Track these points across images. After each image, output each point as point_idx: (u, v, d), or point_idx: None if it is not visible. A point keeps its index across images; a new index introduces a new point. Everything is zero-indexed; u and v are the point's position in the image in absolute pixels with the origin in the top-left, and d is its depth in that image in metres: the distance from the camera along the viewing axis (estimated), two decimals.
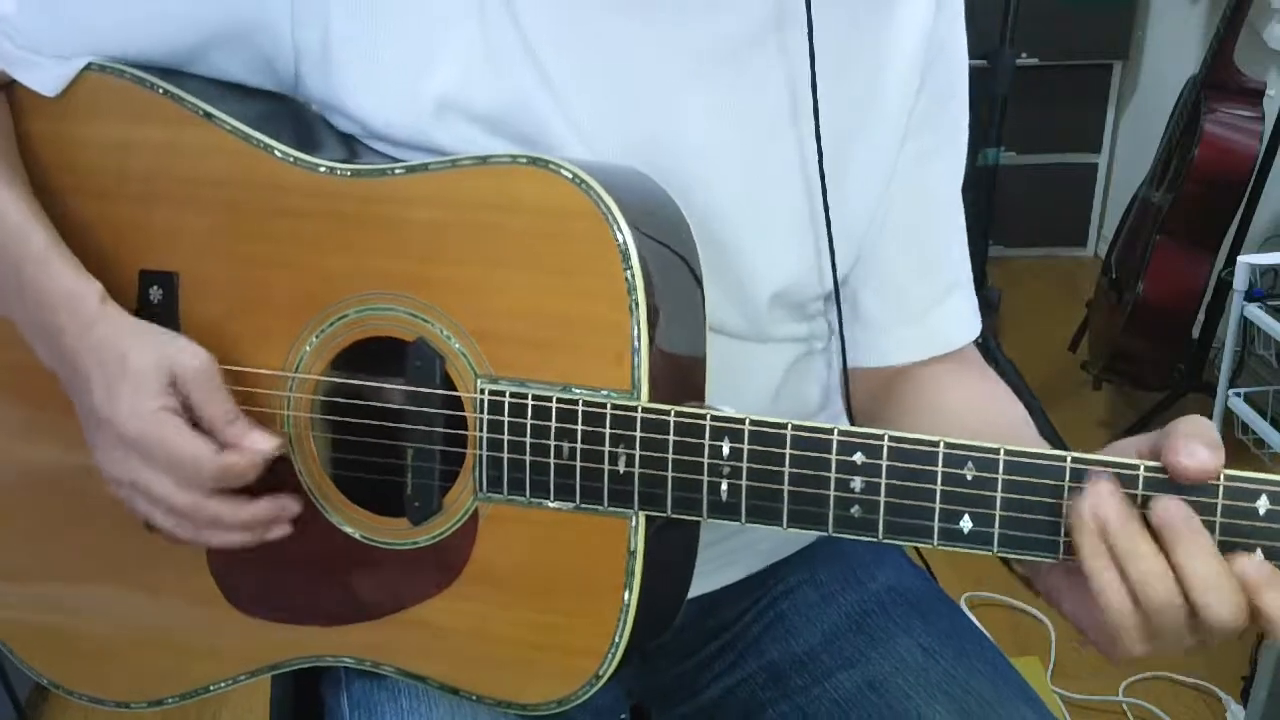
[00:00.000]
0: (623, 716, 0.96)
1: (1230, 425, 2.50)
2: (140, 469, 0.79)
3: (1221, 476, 0.65)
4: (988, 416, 0.90)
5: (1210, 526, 0.65)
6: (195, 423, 0.79)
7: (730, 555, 0.99)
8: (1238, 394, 2.47)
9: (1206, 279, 2.61)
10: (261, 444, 0.79)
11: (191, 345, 0.80)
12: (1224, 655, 2.04)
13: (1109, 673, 2.05)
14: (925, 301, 0.95)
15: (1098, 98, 3.70)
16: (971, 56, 0.94)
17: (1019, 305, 3.35)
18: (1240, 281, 2.37)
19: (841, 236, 0.87)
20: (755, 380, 0.92)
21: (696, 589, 0.88)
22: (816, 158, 0.84)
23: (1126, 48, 3.59)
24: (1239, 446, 2.49)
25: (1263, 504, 0.64)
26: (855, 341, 0.95)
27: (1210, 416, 2.53)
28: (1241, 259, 2.37)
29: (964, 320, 0.96)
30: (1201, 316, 2.66)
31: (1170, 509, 0.64)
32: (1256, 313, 2.33)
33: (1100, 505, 0.65)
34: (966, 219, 0.98)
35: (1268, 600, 0.63)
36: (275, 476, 0.83)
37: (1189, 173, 2.52)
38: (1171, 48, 3.44)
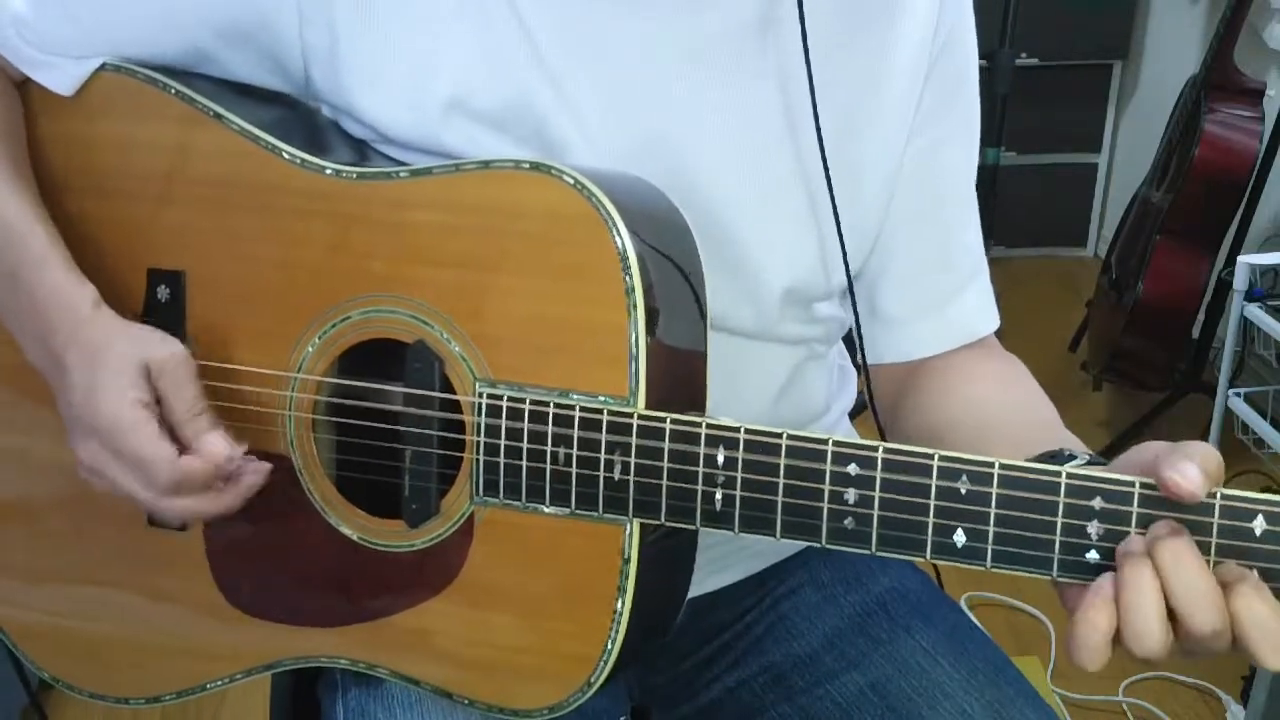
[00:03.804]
0: (622, 718, 0.96)
1: (1230, 425, 2.50)
2: (109, 462, 0.80)
3: (1219, 495, 0.64)
4: (1015, 402, 0.90)
5: (1205, 546, 0.64)
6: (166, 417, 0.80)
7: (730, 556, 0.99)
8: (1238, 394, 2.47)
9: (1206, 279, 2.60)
10: (218, 448, 0.79)
11: (168, 338, 0.81)
12: (1224, 655, 2.04)
13: (1109, 673, 2.01)
14: (944, 294, 0.94)
15: (1098, 98, 3.69)
16: None
17: (1019, 305, 3.34)
18: (1240, 281, 2.37)
19: (852, 230, 0.87)
20: (758, 381, 0.92)
21: (696, 589, 0.88)
22: (819, 151, 0.84)
23: (1126, 48, 3.59)
24: (1239, 446, 2.49)
25: (1259, 524, 0.63)
26: (874, 338, 0.95)
27: (1210, 416, 2.53)
28: (1241, 259, 2.37)
29: (984, 310, 0.96)
30: (1201, 316, 2.66)
31: (1154, 530, 0.64)
32: (1256, 313, 2.33)
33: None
34: None
35: (1237, 602, 0.63)
36: (275, 477, 0.83)
37: (1189, 173, 2.52)
38: (1171, 48, 3.43)
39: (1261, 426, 2.38)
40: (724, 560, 0.98)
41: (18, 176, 0.85)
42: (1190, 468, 0.63)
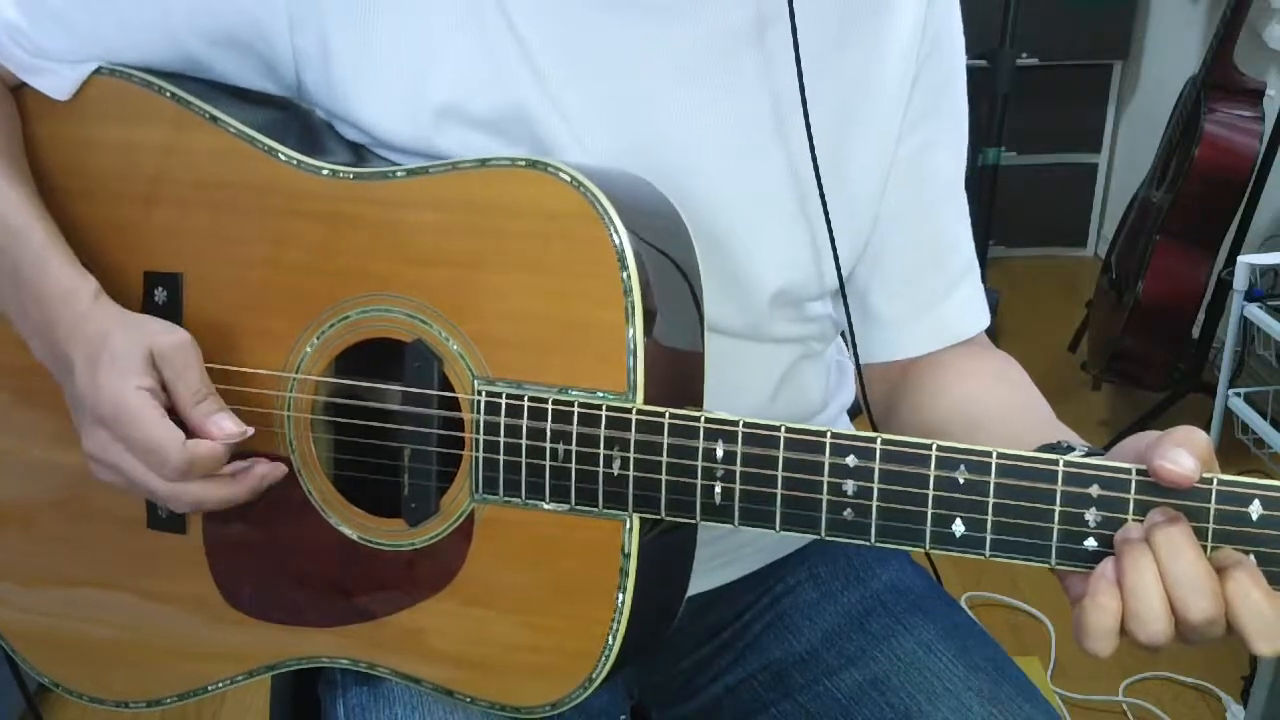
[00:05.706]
0: (622, 717, 0.96)
1: (1230, 425, 2.50)
2: (118, 452, 0.79)
3: (1215, 481, 0.64)
4: (1011, 398, 0.90)
5: (1203, 532, 0.64)
6: (172, 405, 0.80)
7: (730, 553, 0.99)
8: (1238, 394, 2.47)
9: (1206, 279, 2.61)
10: (227, 428, 0.80)
11: (171, 325, 0.81)
12: (1224, 655, 2.04)
13: (1109, 673, 2.05)
14: (935, 293, 0.94)
15: (1098, 98, 3.69)
16: (971, 56, 0.94)
17: (1019, 305, 3.35)
18: (1240, 281, 2.37)
19: (844, 232, 0.87)
20: (753, 380, 0.92)
21: (696, 587, 0.88)
22: (809, 155, 0.84)
23: (1126, 48, 3.59)
24: (1239, 446, 2.49)
25: (1255, 509, 0.64)
26: (867, 338, 0.95)
27: (1210, 416, 2.53)
28: (1241, 259, 2.38)
29: (975, 309, 0.96)
30: (1201, 316, 2.66)
31: (1151, 517, 0.65)
32: (1256, 313, 2.33)
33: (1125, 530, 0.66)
34: None
35: (1232, 589, 0.63)
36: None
37: (1189, 172, 2.52)
38: (1171, 48, 3.44)
39: (1261, 426, 2.39)
40: (723, 557, 0.98)
41: (16, 176, 0.85)
42: (1182, 454, 0.63)
